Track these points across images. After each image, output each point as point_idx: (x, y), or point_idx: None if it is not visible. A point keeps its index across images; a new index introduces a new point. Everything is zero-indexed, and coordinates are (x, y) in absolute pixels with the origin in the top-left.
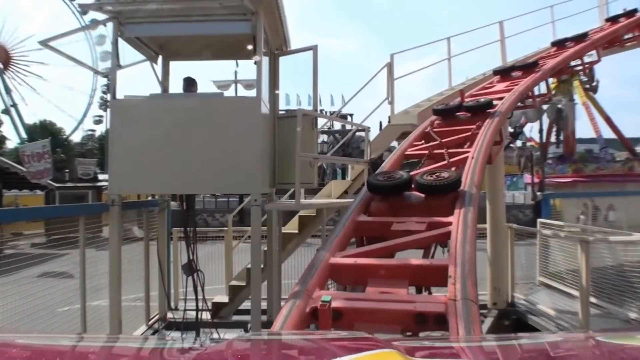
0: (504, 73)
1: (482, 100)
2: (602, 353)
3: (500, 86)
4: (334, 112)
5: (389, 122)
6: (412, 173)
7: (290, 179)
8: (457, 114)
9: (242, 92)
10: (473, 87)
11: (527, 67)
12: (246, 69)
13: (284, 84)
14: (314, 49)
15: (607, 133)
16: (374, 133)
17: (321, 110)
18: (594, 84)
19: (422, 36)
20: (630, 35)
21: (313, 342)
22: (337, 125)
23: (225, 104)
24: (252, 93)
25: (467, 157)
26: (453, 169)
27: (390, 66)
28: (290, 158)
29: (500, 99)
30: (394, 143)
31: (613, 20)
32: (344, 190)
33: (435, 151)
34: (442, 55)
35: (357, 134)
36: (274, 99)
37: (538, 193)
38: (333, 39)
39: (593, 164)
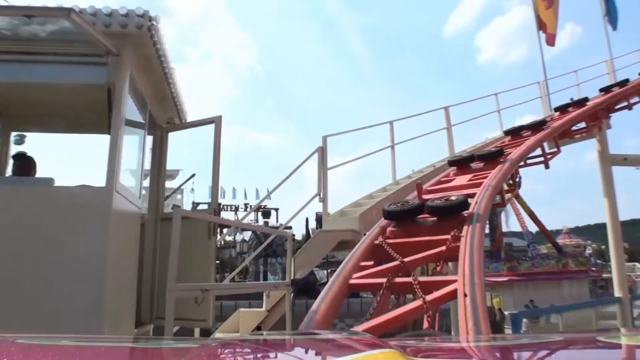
0: (461, 164)
1: (454, 198)
2: (605, 353)
3: (462, 180)
4: (263, 205)
5: (319, 222)
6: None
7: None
8: (419, 217)
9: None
10: (423, 181)
11: (490, 156)
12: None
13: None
14: (216, 120)
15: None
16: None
17: (246, 205)
18: (517, 179)
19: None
20: (582, 126)
21: (313, 342)
22: (261, 219)
23: (53, 196)
24: (171, 184)
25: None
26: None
27: (322, 151)
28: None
29: (469, 195)
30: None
31: (562, 110)
32: (256, 325)
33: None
34: (376, 146)
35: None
36: (157, 190)
37: None
38: (265, 133)
39: (527, 261)
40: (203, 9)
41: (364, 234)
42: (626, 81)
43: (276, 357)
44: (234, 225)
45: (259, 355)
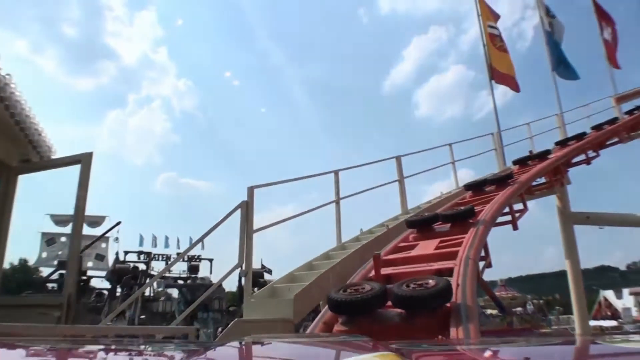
0: (423, 226)
1: (431, 283)
2: (602, 356)
3: (427, 247)
4: (195, 255)
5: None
6: None
7: None
8: (382, 309)
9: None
10: (375, 245)
11: (459, 217)
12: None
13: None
14: (84, 159)
15: None
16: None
17: (178, 254)
18: None
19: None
20: (542, 181)
21: (313, 344)
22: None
23: None
24: (97, 231)
25: None
26: None
27: (247, 207)
28: None
29: (442, 271)
30: None
31: (521, 163)
32: None
33: None
34: (318, 196)
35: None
36: None
37: None
38: (204, 180)
39: None
40: (146, 52)
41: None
42: (583, 134)
43: (277, 359)
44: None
45: (259, 358)
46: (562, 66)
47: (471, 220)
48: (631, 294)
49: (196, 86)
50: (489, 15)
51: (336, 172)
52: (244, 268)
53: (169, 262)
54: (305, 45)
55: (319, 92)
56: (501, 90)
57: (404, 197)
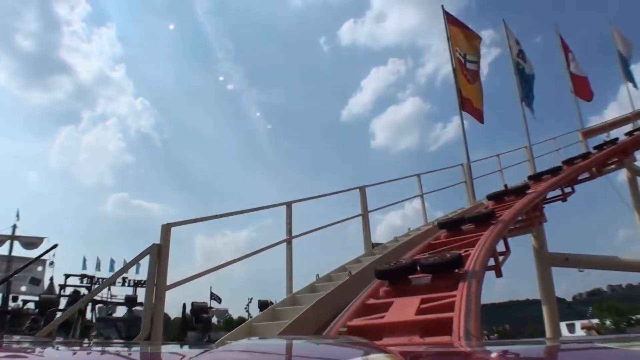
0: (396, 277)
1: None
2: (603, 358)
3: (405, 308)
4: (140, 280)
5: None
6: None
7: None
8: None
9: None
10: (336, 303)
11: (441, 268)
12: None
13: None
14: None
15: None
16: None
17: (124, 279)
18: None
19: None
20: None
21: (312, 346)
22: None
23: None
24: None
25: None
26: None
27: (158, 253)
28: None
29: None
30: None
31: (496, 199)
32: None
33: None
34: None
35: None
36: None
37: None
38: (157, 202)
39: None
40: (103, 69)
41: None
42: (559, 168)
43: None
44: None
45: (259, 358)
46: (529, 99)
47: (458, 271)
48: (583, 327)
49: (153, 106)
50: (458, 41)
51: (289, 205)
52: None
53: (106, 287)
54: (266, 70)
55: (278, 117)
56: (456, 122)
57: (368, 233)
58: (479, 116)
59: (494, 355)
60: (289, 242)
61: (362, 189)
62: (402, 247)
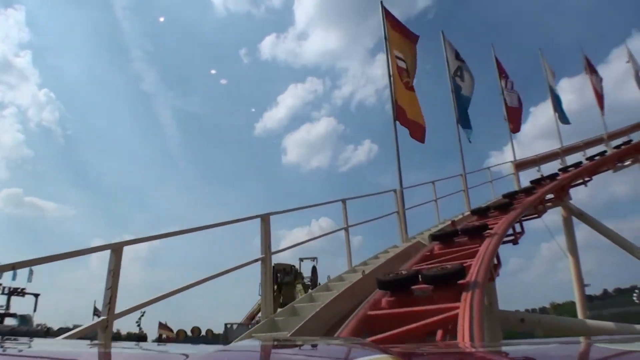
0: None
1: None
2: (608, 357)
3: None
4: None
5: None
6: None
7: None
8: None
9: None
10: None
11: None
12: None
13: None
14: None
15: None
16: None
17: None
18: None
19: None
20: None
21: (313, 347)
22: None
23: None
24: None
25: None
26: None
27: None
28: None
29: None
30: None
31: (443, 240)
32: None
33: None
34: None
35: None
36: None
37: None
38: (54, 202)
39: None
40: (6, 54)
41: None
42: (510, 205)
43: None
44: None
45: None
46: (465, 121)
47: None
48: None
49: (59, 99)
50: (397, 43)
51: (265, 218)
52: None
53: None
54: (183, 76)
55: (193, 125)
56: (366, 146)
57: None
58: (418, 131)
59: (488, 355)
60: (264, 260)
61: (343, 202)
62: (388, 264)
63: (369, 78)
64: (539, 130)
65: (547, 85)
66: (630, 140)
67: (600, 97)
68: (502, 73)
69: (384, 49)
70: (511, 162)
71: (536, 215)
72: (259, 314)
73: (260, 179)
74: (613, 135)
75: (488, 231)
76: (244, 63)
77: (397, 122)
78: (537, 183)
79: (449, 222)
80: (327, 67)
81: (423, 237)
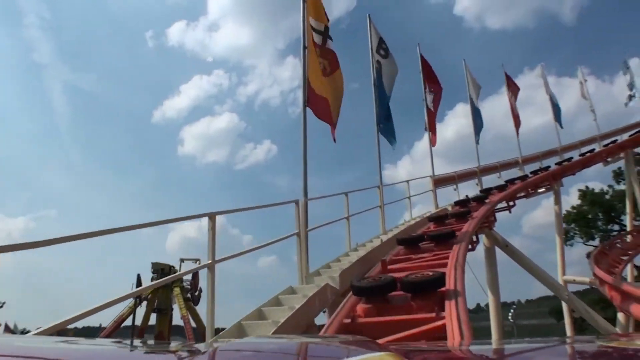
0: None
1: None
2: (603, 355)
3: None
4: None
5: None
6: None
7: None
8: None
9: None
10: None
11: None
12: None
13: None
14: None
15: None
16: None
17: None
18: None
19: (29, 194)
20: None
21: (313, 344)
22: None
23: None
24: None
25: None
26: None
27: None
28: None
29: None
30: None
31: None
32: None
33: None
34: None
35: None
36: None
37: None
38: None
39: None
40: None
41: None
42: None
43: (277, 359)
44: None
45: (259, 358)
46: (385, 123)
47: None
48: None
49: None
50: (317, 12)
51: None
52: None
53: None
54: (80, 49)
55: (87, 103)
56: (266, 146)
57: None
58: (329, 120)
59: (484, 354)
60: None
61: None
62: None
63: (277, 79)
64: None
65: (466, 98)
66: (549, 167)
67: (516, 118)
68: (428, 75)
69: (294, 53)
70: (430, 177)
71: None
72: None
73: (153, 166)
74: (527, 160)
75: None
76: (148, 46)
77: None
78: (462, 204)
79: (363, 250)
80: (235, 62)
81: (331, 277)
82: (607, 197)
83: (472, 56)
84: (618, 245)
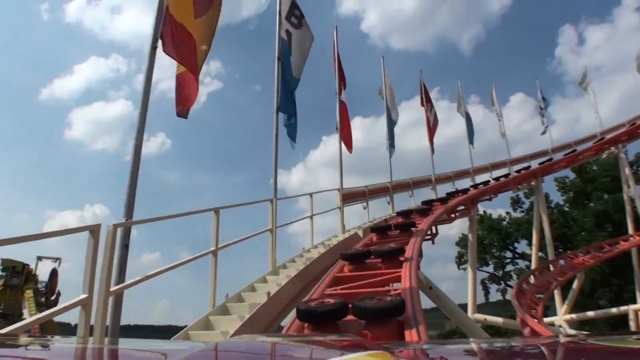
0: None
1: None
2: (593, 354)
3: None
4: None
5: None
6: None
7: None
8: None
9: None
10: None
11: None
12: None
13: None
14: None
15: None
16: None
17: None
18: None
19: None
20: None
21: (306, 343)
22: None
23: None
24: None
25: None
26: None
27: None
28: None
29: None
30: None
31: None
32: None
33: None
34: None
35: None
36: None
37: None
38: None
39: None
40: None
41: None
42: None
43: (271, 358)
44: None
45: (255, 357)
46: (288, 112)
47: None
48: None
49: None
50: None
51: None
52: None
53: None
54: None
55: None
56: (160, 139)
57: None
58: (191, 65)
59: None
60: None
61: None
62: None
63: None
64: (329, 158)
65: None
66: (468, 189)
67: (432, 133)
68: (341, 76)
69: None
70: (337, 189)
71: None
72: None
73: (35, 148)
74: (439, 180)
75: None
76: (43, 19)
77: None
78: (381, 232)
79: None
80: (136, 48)
81: None
82: (505, 223)
83: (375, 72)
84: (532, 282)
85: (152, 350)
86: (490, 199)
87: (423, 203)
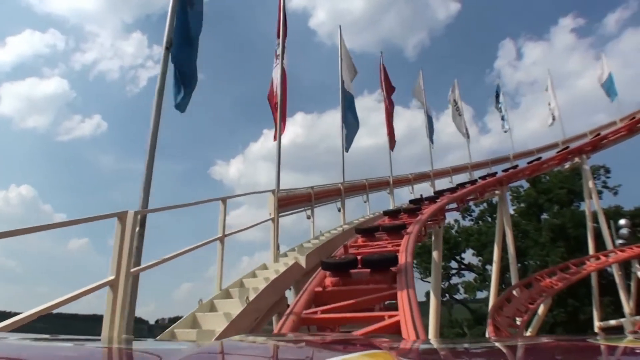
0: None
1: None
2: (590, 353)
3: None
4: None
5: None
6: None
7: None
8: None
9: None
10: None
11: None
12: None
13: None
14: None
15: None
16: None
17: None
18: None
19: None
20: None
21: (309, 342)
22: None
23: None
24: None
25: None
26: None
27: None
28: None
29: None
30: None
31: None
32: None
33: None
34: None
35: None
36: None
37: None
38: None
39: None
40: None
41: None
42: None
43: (274, 356)
44: None
45: (257, 356)
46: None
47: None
48: None
49: None
50: None
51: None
52: None
53: None
54: None
55: None
56: (95, 121)
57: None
58: None
59: (480, 352)
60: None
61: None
62: None
63: (118, 53)
64: (268, 152)
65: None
66: (437, 197)
67: (391, 130)
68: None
69: (140, 29)
70: (272, 191)
71: None
72: None
73: None
74: (398, 182)
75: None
76: None
77: None
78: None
79: None
80: (75, 24)
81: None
82: (453, 232)
83: (320, 70)
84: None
85: (149, 352)
86: (458, 209)
87: (385, 214)
